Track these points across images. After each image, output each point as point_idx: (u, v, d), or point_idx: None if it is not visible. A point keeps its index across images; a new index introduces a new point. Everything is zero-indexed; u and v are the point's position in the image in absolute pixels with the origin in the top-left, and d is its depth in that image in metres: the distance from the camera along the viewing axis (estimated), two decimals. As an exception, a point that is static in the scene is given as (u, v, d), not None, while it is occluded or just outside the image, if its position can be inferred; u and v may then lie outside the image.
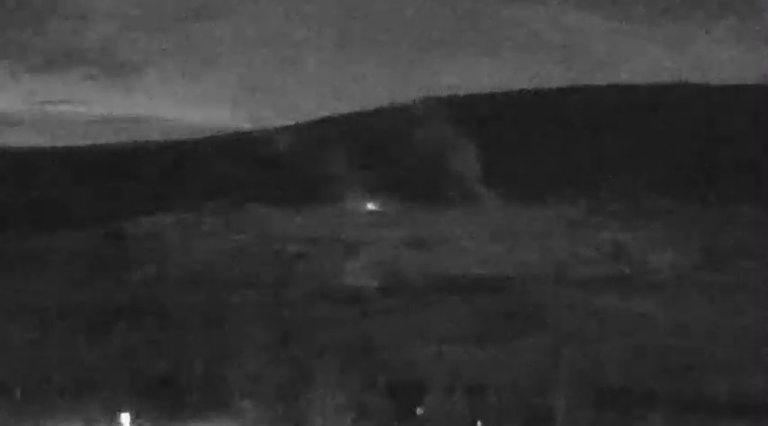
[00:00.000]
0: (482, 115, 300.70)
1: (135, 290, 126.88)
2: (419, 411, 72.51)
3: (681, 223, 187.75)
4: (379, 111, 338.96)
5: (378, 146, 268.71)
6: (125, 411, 72.46)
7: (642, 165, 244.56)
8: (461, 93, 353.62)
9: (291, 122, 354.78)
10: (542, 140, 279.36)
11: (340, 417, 69.88)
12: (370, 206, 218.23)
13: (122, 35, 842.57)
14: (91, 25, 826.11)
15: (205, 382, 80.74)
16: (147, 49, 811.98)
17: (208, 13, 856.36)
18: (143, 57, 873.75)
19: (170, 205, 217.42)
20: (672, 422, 71.89)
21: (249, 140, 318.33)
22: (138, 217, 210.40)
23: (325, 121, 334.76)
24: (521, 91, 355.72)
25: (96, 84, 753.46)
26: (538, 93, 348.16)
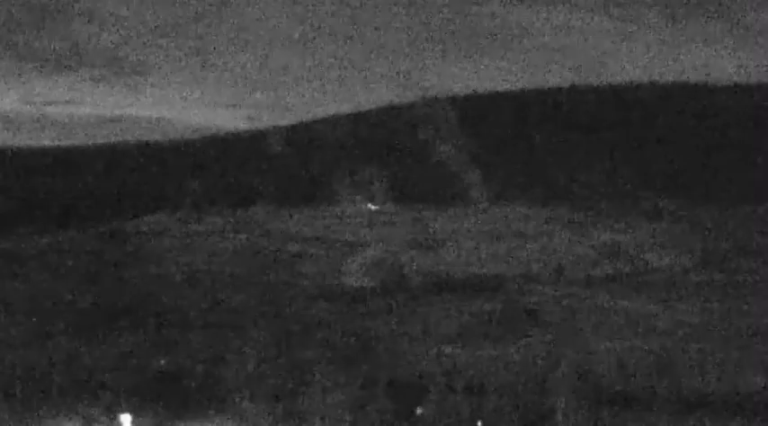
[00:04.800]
0: (482, 115, 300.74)
1: (135, 290, 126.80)
2: (419, 411, 72.48)
3: (681, 223, 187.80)
4: (379, 111, 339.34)
5: (378, 146, 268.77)
6: (125, 411, 72.48)
7: (642, 165, 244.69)
8: (461, 93, 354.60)
9: (291, 122, 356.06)
10: (542, 140, 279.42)
11: (340, 417, 69.88)
12: (370, 206, 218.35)
13: (130, 37, 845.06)
14: (99, 27, 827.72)
15: (205, 382, 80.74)
16: (153, 51, 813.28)
17: (211, 16, 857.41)
18: (149, 59, 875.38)
19: (170, 205, 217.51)
20: (671, 422, 71.95)
21: (249, 140, 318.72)
22: (138, 217, 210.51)
23: (324, 121, 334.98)
24: (521, 91, 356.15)
25: (103, 85, 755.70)
26: (538, 93, 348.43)
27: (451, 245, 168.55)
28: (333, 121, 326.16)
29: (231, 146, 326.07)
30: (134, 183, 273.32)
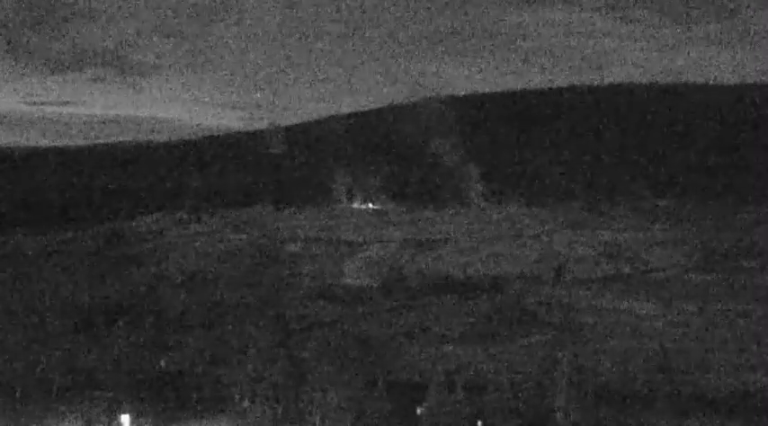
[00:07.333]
0: (482, 115, 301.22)
1: (135, 290, 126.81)
2: (419, 411, 72.48)
3: (681, 223, 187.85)
4: (378, 111, 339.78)
5: (377, 146, 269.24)
6: (125, 411, 72.50)
7: (642, 165, 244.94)
8: (461, 92, 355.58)
9: (291, 123, 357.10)
10: (542, 140, 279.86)
11: (340, 417, 69.86)
12: (370, 206, 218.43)
13: (130, 37, 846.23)
14: (99, 27, 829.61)
15: (205, 382, 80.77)
16: (153, 51, 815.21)
17: (212, 17, 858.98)
18: (149, 59, 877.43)
19: (170, 205, 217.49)
20: (671, 422, 71.95)
21: (249, 141, 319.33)
22: (138, 217, 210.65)
23: (324, 121, 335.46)
24: (521, 91, 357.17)
25: (103, 85, 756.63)
26: (538, 93, 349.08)
27: (451, 245, 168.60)
28: (332, 121, 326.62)
29: (231, 146, 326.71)
30: (134, 183, 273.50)
